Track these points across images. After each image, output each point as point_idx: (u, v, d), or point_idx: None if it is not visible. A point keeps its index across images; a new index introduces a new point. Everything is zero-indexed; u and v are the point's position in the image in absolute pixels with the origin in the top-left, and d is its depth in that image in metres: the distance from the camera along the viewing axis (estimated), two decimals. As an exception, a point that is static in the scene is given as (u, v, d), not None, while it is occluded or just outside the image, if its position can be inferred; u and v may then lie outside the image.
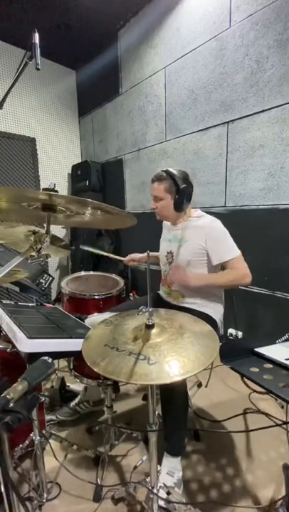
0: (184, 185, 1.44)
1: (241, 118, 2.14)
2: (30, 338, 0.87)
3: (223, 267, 1.47)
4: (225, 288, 1.57)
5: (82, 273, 2.00)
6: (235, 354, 0.91)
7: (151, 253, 1.79)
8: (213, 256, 1.42)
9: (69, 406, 1.67)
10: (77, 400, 1.69)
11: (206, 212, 1.55)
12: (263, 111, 2.01)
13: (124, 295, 1.73)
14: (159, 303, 1.59)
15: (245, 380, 0.82)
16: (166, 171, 1.45)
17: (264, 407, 1.70)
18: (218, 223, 1.46)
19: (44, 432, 1.19)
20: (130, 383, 1.23)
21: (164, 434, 1.26)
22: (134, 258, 1.86)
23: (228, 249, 1.41)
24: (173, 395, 1.22)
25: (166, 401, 1.23)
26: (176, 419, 1.25)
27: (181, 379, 0.67)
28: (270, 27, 1.90)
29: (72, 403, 1.68)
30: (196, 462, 1.37)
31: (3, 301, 1.33)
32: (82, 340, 0.87)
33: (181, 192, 1.43)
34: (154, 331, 0.84)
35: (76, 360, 1.49)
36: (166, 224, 1.69)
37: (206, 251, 1.43)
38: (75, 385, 1.83)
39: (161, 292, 1.66)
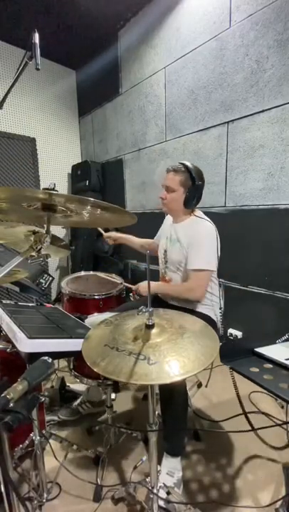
0: (200, 183, 1.43)
1: (241, 118, 2.14)
2: (30, 338, 0.87)
3: None
4: (173, 297, 1.53)
5: (82, 273, 2.00)
6: (235, 354, 0.91)
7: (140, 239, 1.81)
8: (189, 261, 1.41)
9: (71, 406, 1.67)
10: (79, 400, 1.69)
11: (206, 212, 1.55)
12: (263, 111, 2.01)
13: (124, 295, 1.73)
14: (157, 302, 1.58)
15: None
16: (184, 165, 1.44)
17: (264, 407, 1.70)
18: (207, 231, 1.42)
19: (44, 432, 1.19)
20: (130, 383, 1.24)
21: (164, 434, 1.26)
22: (112, 235, 1.82)
23: (200, 260, 1.38)
24: (172, 395, 1.22)
25: (166, 401, 1.23)
26: (175, 419, 1.25)
27: (181, 379, 0.67)
28: (270, 27, 1.90)
29: (75, 403, 1.68)
30: (196, 462, 1.37)
31: (3, 301, 1.33)
32: (82, 340, 0.87)
33: (196, 188, 1.43)
34: (154, 331, 0.84)
35: (76, 360, 1.49)
36: (168, 219, 1.67)
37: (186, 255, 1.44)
38: (75, 385, 1.83)
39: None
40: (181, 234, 1.48)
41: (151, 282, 1.44)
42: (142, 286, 1.48)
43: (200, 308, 1.48)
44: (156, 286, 1.49)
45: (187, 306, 1.48)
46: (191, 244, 1.42)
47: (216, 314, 1.52)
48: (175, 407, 1.23)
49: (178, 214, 1.53)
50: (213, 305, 1.53)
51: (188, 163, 1.44)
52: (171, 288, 1.51)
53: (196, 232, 1.43)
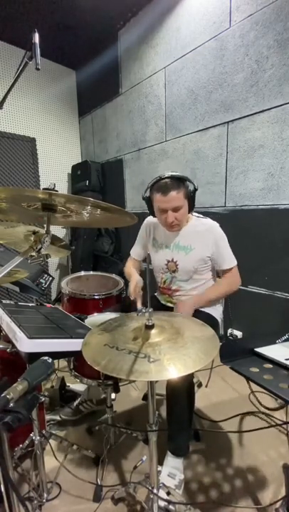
0: (195, 185, 1.37)
1: (241, 118, 2.14)
2: (30, 338, 0.87)
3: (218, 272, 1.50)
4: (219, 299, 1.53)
5: (82, 273, 2.00)
6: (235, 354, 0.91)
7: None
8: (220, 261, 1.42)
9: (72, 406, 1.66)
10: (80, 399, 1.69)
11: (206, 212, 1.54)
12: (263, 111, 2.02)
13: (125, 295, 1.73)
14: (158, 306, 1.57)
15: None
16: (176, 177, 1.32)
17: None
18: (220, 228, 1.44)
19: (44, 431, 1.19)
20: (130, 380, 1.23)
21: (169, 433, 1.25)
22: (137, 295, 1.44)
23: (230, 256, 1.44)
24: (180, 395, 1.21)
25: (173, 400, 1.22)
26: (182, 419, 1.23)
27: (180, 376, 0.68)
28: (270, 27, 1.90)
29: (76, 402, 1.68)
30: (196, 462, 1.37)
31: (3, 301, 1.33)
32: (82, 340, 0.87)
33: (194, 192, 1.37)
34: (153, 331, 0.84)
35: (76, 360, 1.49)
36: (154, 227, 1.56)
37: (212, 258, 1.43)
38: (75, 385, 1.83)
39: (160, 299, 1.61)
40: (193, 239, 1.42)
41: (191, 300, 1.38)
42: (185, 304, 1.36)
43: (205, 309, 1.47)
44: (198, 299, 1.40)
45: None
46: (218, 247, 1.40)
47: (218, 313, 1.51)
48: (182, 406, 1.22)
49: (183, 224, 1.46)
50: (217, 305, 1.52)
51: (177, 173, 1.34)
52: (215, 293, 1.44)
53: (212, 233, 1.41)
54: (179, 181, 1.33)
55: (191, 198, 1.37)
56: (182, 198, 1.33)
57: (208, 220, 1.47)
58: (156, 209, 1.39)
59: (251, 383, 0.80)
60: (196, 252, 1.41)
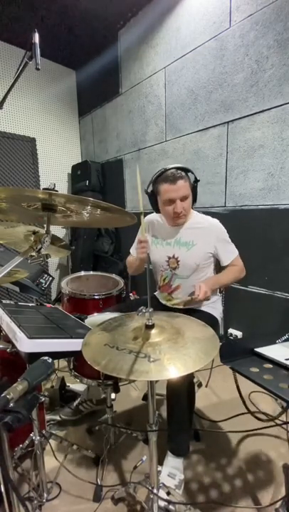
0: (197, 178, 1.40)
1: (241, 118, 2.14)
2: (30, 338, 0.87)
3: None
4: (227, 285, 1.56)
5: (82, 273, 2.00)
6: (235, 354, 0.91)
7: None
8: (223, 257, 1.44)
9: (72, 406, 1.66)
10: (80, 399, 1.69)
11: (206, 212, 1.55)
12: (263, 111, 2.02)
13: (124, 295, 1.73)
14: (158, 306, 1.57)
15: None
16: (180, 168, 1.36)
17: (264, 407, 1.70)
18: (220, 224, 1.46)
19: (44, 431, 1.19)
20: (130, 380, 1.23)
21: (169, 433, 1.25)
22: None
23: (233, 249, 1.46)
24: (180, 395, 1.21)
25: (173, 400, 1.22)
26: (182, 419, 1.23)
27: (181, 375, 0.68)
28: (270, 27, 1.90)
29: (75, 402, 1.68)
30: (196, 462, 1.37)
31: (3, 301, 1.33)
32: (82, 340, 0.87)
33: (196, 185, 1.40)
34: (154, 331, 0.84)
35: (76, 360, 1.49)
36: (154, 224, 1.56)
37: (215, 254, 1.45)
38: (75, 385, 1.83)
39: (160, 298, 1.61)
40: (194, 235, 1.43)
41: (207, 281, 1.39)
42: (204, 286, 1.26)
43: (205, 308, 1.47)
44: (212, 282, 1.40)
45: (192, 307, 1.47)
46: (220, 243, 1.43)
47: (218, 312, 1.52)
48: (182, 406, 1.22)
49: (188, 216, 1.47)
50: (216, 304, 1.53)
51: (181, 165, 1.38)
52: (225, 278, 1.45)
53: (214, 231, 1.43)
54: (184, 171, 1.36)
55: (194, 189, 1.40)
56: (188, 187, 1.36)
57: (210, 219, 1.48)
58: (163, 201, 1.39)
59: (250, 384, 0.80)
60: (198, 248, 1.42)
